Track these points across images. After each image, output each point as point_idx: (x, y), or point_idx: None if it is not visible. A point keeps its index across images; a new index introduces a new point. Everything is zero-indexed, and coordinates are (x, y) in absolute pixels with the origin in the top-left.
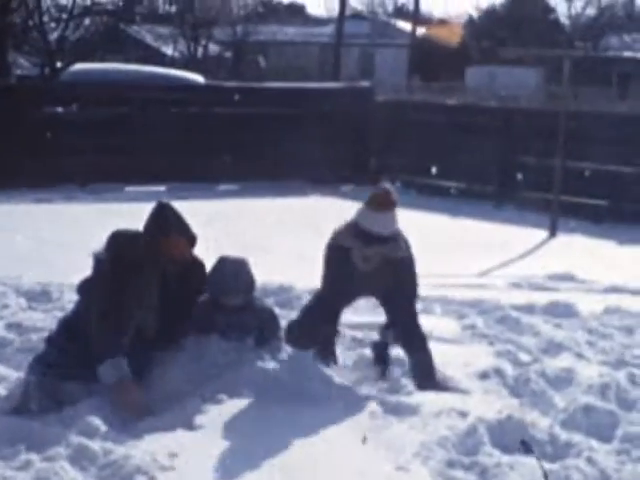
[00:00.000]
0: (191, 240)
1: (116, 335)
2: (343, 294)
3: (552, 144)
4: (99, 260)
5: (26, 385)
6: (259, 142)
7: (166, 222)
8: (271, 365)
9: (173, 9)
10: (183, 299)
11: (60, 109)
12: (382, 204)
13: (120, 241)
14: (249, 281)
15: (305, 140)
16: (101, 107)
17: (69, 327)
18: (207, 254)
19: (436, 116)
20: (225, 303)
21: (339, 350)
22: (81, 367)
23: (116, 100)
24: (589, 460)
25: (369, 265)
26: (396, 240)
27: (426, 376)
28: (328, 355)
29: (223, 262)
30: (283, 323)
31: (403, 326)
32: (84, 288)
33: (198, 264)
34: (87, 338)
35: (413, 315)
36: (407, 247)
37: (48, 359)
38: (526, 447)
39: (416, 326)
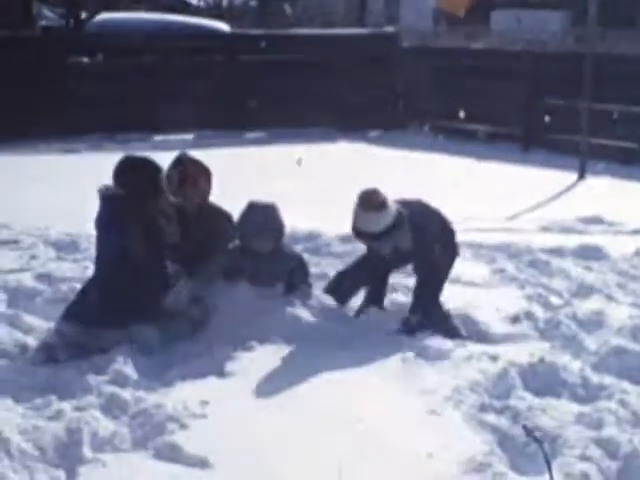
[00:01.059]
0: (207, 175)
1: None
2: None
3: (579, 87)
4: (111, 196)
5: (57, 334)
6: (286, 89)
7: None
8: (301, 311)
9: None
10: (203, 243)
11: (86, 59)
12: (365, 205)
13: (129, 172)
14: (279, 226)
15: (332, 86)
16: (127, 57)
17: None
18: (235, 200)
19: (462, 61)
20: (255, 249)
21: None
22: (113, 314)
23: (142, 49)
24: (621, 402)
25: (383, 250)
26: (398, 233)
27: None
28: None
29: (253, 207)
30: (312, 269)
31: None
32: (103, 226)
33: (222, 213)
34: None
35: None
36: (416, 237)
37: (79, 308)
38: (528, 432)
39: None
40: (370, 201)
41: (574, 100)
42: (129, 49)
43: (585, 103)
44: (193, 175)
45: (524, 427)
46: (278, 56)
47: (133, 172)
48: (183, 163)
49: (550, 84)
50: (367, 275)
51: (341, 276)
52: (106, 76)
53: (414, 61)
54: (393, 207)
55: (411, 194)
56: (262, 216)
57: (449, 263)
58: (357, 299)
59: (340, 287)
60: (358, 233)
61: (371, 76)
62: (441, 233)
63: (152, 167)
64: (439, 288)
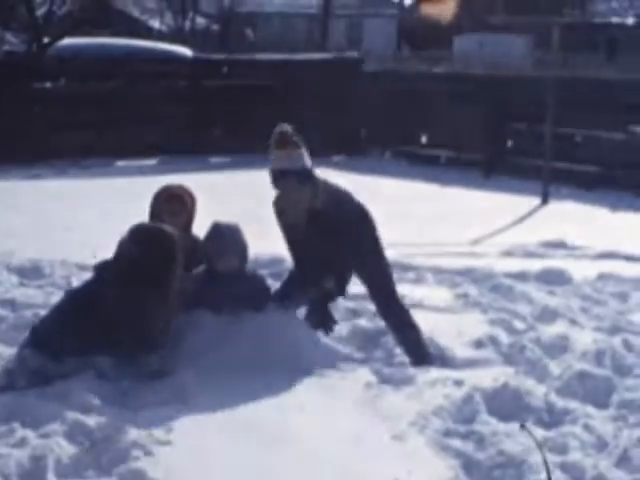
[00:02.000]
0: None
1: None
2: (296, 252)
3: (542, 111)
4: (130, 256)
5: (18, 361)
6: (249, 114)
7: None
8: (264, 336)
9: None
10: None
11: (49, 84)
12: (277, 144)
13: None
14: (243, 244)
15: (295, 112)
16: (90, 82)
17: (79, 303)
18: (200, 224)
19: (424, 85)
20: (220, 269)
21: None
22: (79, 341)
23: (105, 74)
24: (586, 427)
25: (292, 216)
26: (316, 197)
27: (418, 353)
28: (326, 321)
29: (217, 226)
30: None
31: (378, 303)
32: (102, 269)
33: (194, 241)
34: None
35: (385, 289)
36: (340, 207)
37: (44, 333)
38: (528, 433)
39: (391, 301)
40: (284, 139)
41: (537, 124)
42: (93, 74)
43: (548, 127)
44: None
45: (522, 426)
46: (241, 81)
47: (150, 244)
48: (168, 189)
49: (513, 108)
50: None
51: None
52: (70, 101)
53: (377, 85)
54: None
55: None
56: (226, 235)
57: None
58: None
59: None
60: (274, 175)
61: (334, 101)
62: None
63: (169, 241)
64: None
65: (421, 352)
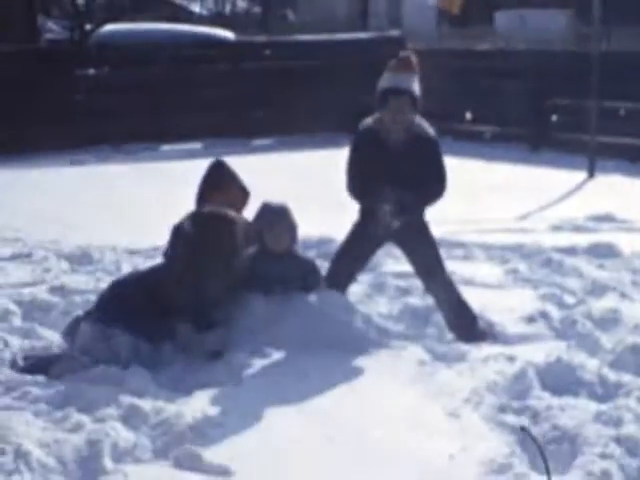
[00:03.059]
0: (245, 195)
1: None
2: (373, 175)
3: (586, 85)
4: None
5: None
6: (292, 96)
7: (221, 177)
8: (316, 316)
9: None
10: None
11: (92, 71)
12: (398, 66)
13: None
14: (293, 223)
15: (338, 91)
16: (132, 68)
17: (144, 285)
18: (250, 206)
19: (468, 62)
20: (271, 247)
21: (385, 300)
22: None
23: (147, 60)
24: (639, 399)
25: (396, 133)
26: (421, 124)
27: (464, 326)
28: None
29: (267, 205)
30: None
31: (425, 272)
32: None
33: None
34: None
35: (433, 258)
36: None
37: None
38: (525, 431)
39: (437, 271)
40: (408, 62)
41: (581, 99)
42: (135, 60)
43: (593, 101)
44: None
45: (522, 428)
46: (283, 63)
47: (215, 229)
48: (221, 185)
49: (557, 83)
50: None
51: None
52: (113, 87)
53: (420, 62)
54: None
55: None
56: (276, 213)
57: None
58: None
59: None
60: (388, 92)
61: (378, 80)
62: None
63: (231, 224)
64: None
65: (472, 329)
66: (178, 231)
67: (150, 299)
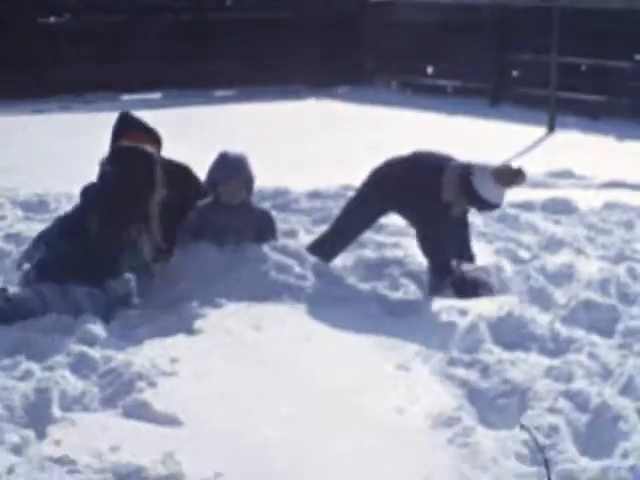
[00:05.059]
0: (156, 140)
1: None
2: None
3: (548, 40)
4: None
5: (25, 292)
6: (254, 47)
7: (125, 125)
8: (268, 267)
9: None
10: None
11: (53, 19)
12: (509, 182)
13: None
14: (250, 174)
15: (300, 43)
16: (94, 15)
17: (70, 231)
18: (206, 157)
19: (430, 15)
20: (225, 199)
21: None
22: (80, 271)
23: (109, 8)
24: (591, 355)
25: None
26: None
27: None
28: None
29: (225, 153)
30: (280, 226)
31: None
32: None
33: (182, 168)
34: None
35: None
36: None
37: (48, 264)
38: (523, 428)
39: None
40: (515, 179)
41: (543, 54)
42: (96, 7)
43: (553, 56)
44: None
45: (522, 427)
46: (246, 13)
47: (132, 162)
48: (129, 131)
49: (519, 38)
50: (355, 232)
51: (328, 235)
52: (74, 35)
53: (382, 16)
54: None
55: (382, 150)
56: (233, 163)
57: None
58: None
59: (326, 246)
60: (478, 204)
61: (340, 32)
62: None
63: (150, 160)
64: None
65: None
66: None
67: (79, 247)
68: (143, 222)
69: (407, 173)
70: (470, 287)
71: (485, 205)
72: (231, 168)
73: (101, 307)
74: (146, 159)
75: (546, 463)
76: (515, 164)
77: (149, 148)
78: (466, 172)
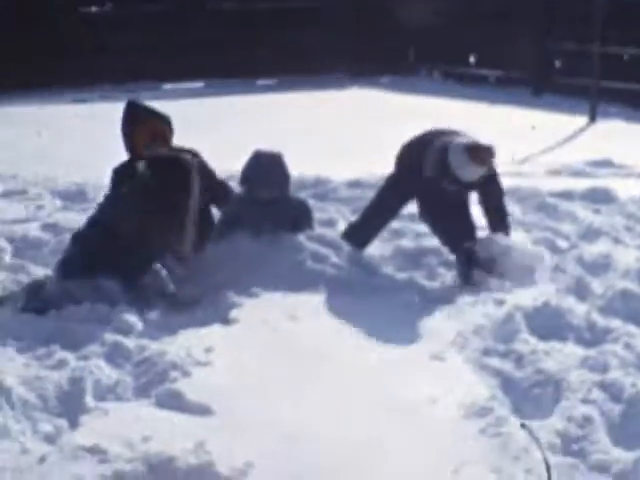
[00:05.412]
0: (167, 123)
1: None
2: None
3: (591, 29)
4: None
5: (56, 285)
6: (296, 36)
7: (138, 112)
8: (304, 257)
9: None
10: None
11: (94, 8)
12: (481, 159)
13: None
14: (283, 176)
15: (342, 33)
16: (136, 4)
17: (104, 226)
18: (246, 147)
19: (472, 5)
20: (259, 196)
21: (377, 242)
22: (115, 264)
23: None
24: (627, 345)
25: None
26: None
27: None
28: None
29: (258, 156)
30: (320, 215)
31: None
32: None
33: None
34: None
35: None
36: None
37: (79, 258)
38: (523, 427)
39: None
40: (487, 157)
41: (585, 43)
42: None
43: (596, 45)
44: (156, 129)
45: (522, 425)
46: (288, 3)
47: (172, 174)
48: (141, 119)
49: (561, 27)
50: (386, 216)
51: (360, 221)
52: (115, 25)
53: (424, 5)
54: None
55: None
56: (267, 165)
57: None
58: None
59: (359, 232)
60: (455, 182)
61: (381, 22)
62: None
63: (188, 171)
64: None
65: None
66: (132, 172)
67: (113, 244)
68: (178, 232)
69: (410, 152)
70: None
71: (459, 182)
72: (264, 172)
73: (136, 299)
74: (185, 171)
75: (547, 464)
76: (486, 141)
77: (187, 157)
78: (444, 149)
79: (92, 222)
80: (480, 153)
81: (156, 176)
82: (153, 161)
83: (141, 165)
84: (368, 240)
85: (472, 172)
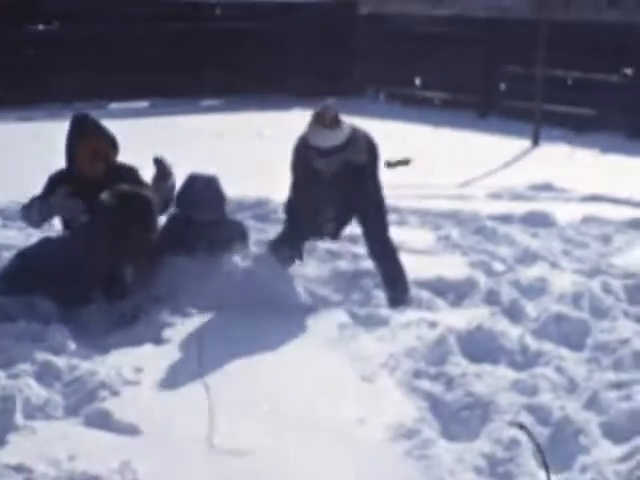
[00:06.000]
0: (112, 142)
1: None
2: (310, 198)
3: (535, 53)
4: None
5: None
6: (242, 57)
7: (83, 128)
8: (238, 277)
9: None
10: None
11: (41, 27)
12: (323, 122)
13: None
14: (218, 198)
15: (289, 54)
16: (82, 24)
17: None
18: (187, 167)
19: (419, 27)
20: (195, 218)
21: (314, 262)
22: (52, 283)
23: (97, 17)
24: (558, 369)
25: (330, 168)
26: (351, 148)
27: (398, 289)
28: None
29: (193, 179)
30: (258, 236)
31: (373, 238)
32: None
33: (128, 169)
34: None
35: (383, 226)
36: (369, 152)
37: (17, 275)
38: (520, 427)
39: (386, 238)
40: (329, 118)
41: (530, 67)
42: (85, 16)
43: (539, 69)
44: (99, 147)
45: (521, 426)
46: (234, 24)
47: (128, 205)
48: (86, 135)
49: (507, 51)
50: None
51: (281, 240)
52: (62, 44)
53: (371, 28)
54: (346, 124)
55: None
56: (201, 188)
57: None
58: None
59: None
60: (320, 153)
61: (328, 43)
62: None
63: (146, 204)
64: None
65: (403, 293)
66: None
67: (64, 268)
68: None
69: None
70: None
71: (320, 152)
72: (198, 196)
73: (72, 318)
74: (148, 208)
75: (546, 464)
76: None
77: (148, 194)
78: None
79: (44, 242)
80: (320, 115)
81: (121, 211)
82: (118, 196)
83: (106, 197)
84: (298, 252)
85: (323, 135)
